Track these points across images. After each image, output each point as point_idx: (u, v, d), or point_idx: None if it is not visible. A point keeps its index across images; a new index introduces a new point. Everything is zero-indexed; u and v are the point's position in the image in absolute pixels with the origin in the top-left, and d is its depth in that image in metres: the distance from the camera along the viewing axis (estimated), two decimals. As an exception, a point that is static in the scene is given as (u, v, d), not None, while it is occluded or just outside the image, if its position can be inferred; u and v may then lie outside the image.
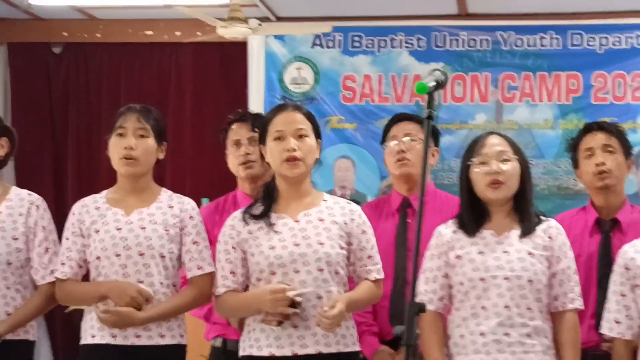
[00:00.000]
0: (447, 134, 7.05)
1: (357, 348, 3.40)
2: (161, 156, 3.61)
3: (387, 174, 5.21)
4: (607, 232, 3.72)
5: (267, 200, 3.40)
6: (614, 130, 3.81)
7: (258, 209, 3.38)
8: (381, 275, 3.42)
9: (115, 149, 3.47)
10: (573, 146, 3.87)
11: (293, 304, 3.15)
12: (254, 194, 3.87)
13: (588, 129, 3.85)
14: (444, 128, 6.90)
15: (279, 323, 3.18)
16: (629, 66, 7.17)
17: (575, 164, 3.87)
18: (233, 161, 4.00)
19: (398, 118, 4.10)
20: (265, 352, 3.23)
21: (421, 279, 3.33)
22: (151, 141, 3.50)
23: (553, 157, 7.09)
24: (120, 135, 3.47)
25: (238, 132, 3.97)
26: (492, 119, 7.27)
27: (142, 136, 3.48)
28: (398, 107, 6.96)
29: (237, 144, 3.95)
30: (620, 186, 3.81)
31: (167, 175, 6.93)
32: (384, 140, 4.11)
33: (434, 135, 4.11)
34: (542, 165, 7.01)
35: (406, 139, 3.94)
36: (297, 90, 7.48)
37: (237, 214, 3.45)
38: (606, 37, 7.24)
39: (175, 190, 3.72)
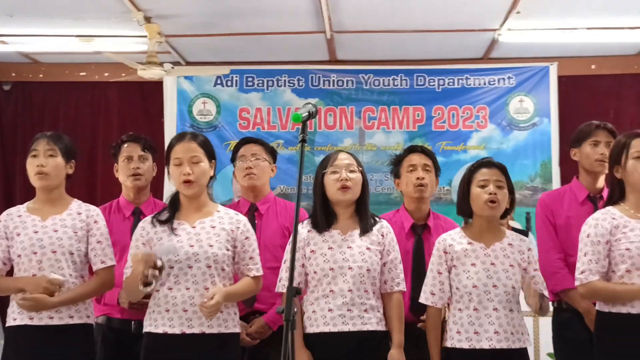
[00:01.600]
0: (322, 154, 7.09)
1: (237, 330, 3.59)
2: (70, 171, 3.79)
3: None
4: (419, 234, 4.08)
5: (171, 209, 3.63)
6: (430, 154, 4.20)
7: (164, 215, 3.61)
8: (260, 273, 3.64)
9: (30, 167, 3.67)
10: (397, 161, 4.22)
11: (157, 269, 3.34)
12: (136, 201, 4.25)
13: (412, 149, 4.24)
14: (318, 150, 7.76)
15: (145, 285, 3.34)
16: (460, 101, 7.92)
17: (397, 175, 4.22)
18: (123, 174, 4.25)
19: (245, 141, 4.44)
20: (160, 330, 3.45)
21: (282, 268, 3.67)
22: (59, 160, 3.69)
23: None
24: (34, 156, 3.67)
25: (130, 149, 4.23)
26: (356, 143, 7.87)
27: (51, 155, 3.67)
28: (283, 133, 7.85)
29: (129, 159, 4.21)
30: (428, 198, 4.16)
31: (99, 188, 7.54)
32: (234, 158, 4.41)
33: (272, 154, 4.47)
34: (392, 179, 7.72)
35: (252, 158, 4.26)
36: (202, 120, 8.00)
37: (148, 218, 3.67)
38: (443, 79, 7.95)
39: (108, 200, 4.08)
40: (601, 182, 4.24)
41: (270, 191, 4.38)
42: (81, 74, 8.36)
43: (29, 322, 3.48)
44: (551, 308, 4.17)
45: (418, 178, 4.03)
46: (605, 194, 4.09)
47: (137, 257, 3.33)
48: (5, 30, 7.13)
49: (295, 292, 2.77)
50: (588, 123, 4.38)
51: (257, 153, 4.28)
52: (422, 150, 4.19)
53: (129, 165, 4.17)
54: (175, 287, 3.46)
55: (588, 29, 7.10)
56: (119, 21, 6.82)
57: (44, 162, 3.62)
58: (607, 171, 4.04)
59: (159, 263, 3.33)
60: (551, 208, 4.30)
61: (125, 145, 4.24)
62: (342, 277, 3.49)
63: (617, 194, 3.64)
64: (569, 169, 7.46)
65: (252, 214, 4.22)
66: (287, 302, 2.72)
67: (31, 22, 6.90)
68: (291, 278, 2.83)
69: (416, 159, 4.10)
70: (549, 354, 6.33)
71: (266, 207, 4.28)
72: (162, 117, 8.08)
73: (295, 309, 2.80)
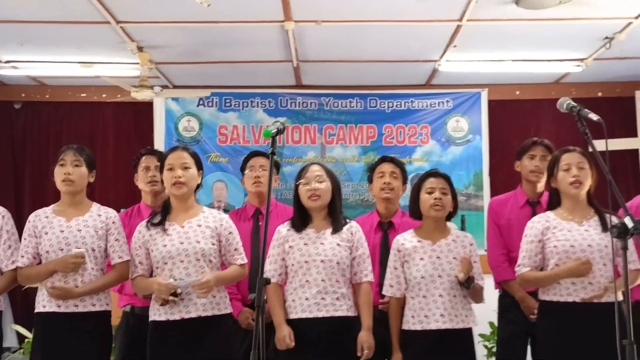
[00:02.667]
0: (290, 165, 7.92)
1: (228, 311, 3.56)
2: (91, 180, 3.74)
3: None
4: (385, 230, 4.05)
5: (164, 213, 3.60)
6: (399, 164, 4.19)
7: (157, 218, 3.59)
8: (245, 261, 3.60)
9: (58, 175, 3.63)
10: (371, 169, 4.21)
11: (175, 293, 3.36)
12: (153, 205, 4.16)
13: (383, 159, 4.22)
14: (287, 162, 7.95)
15: (163, 303, 3.39)
16: (406, 121, 8.12)
17: (370, 181, 4.20)
18: (142, 180, 4.21)
19: (254, 154, 4.35)
20: (163, 318, 3.42)
21: (267, 261, 3.60)
22: (83, 169, 3.66)
23: (358, 181, 7.85)
24: (62, 165, 3.63)
25: (148, 161, 4.20)
26: (318, 155, 8.02)
27: (76, 165, 3.63)
28: (256, 147, 7.51)
29: (147, 169, 4.18)
30: (396, 199, 4.14)
31: (96, 192, 6.87)
32: (243, 168, 4.35)
33: (276, 166, 4.40)
34: (351, 186, 7.81)
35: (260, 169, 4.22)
36: (187, 135, 8.10)
37: (143, 223, 3.62)
38: (392, 102, 8.14)
39: (102, 203, 3.94)
40: (540, 188, 4.19)
41: (272, 197, 4.15)
42: (82, 95, 8.43)
43: (56, 310, 3.46)
44: (494, 296, 4.24)
45: (385, 183, 4.03)
46: (543, 199, 4.08)
47: (161, 286, 3.35)
48: (16, 57, 7.21)
49: (265, 282, 2.78)
50: (528, 140, 4.36)
51: (264, 165, 4.21)
52: (391, 160, 4.17)
53: (147, 174, 4.15)
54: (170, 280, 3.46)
55: (513, 60, 7.32)
56: (115, 50, 6.89)
57: (71, 171, 3.61)
58: (541, 181, 4.10)
59: (178, 291, 3.37)
60: (496, 211, 4.30)
61: (144, 157, 4.21)
62: (316, 268, 3.49)
63: (554, 200, 3.64)
64: (497, 179, 7.91)
65: (257, 216, 4.21)
66: (258, 291, 2.73)
67: (39, 50, 6.98)
68: (262, 271, 2.84)
69: (385, 167, 4.09)
70: (481, 335, 6.28)
71: (270, 211, 4.11)
72: (152, 133, 8.15)
73: (265, 296, 2.87)
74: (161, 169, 3.65)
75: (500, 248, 4.18)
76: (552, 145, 4.23)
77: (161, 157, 3.96)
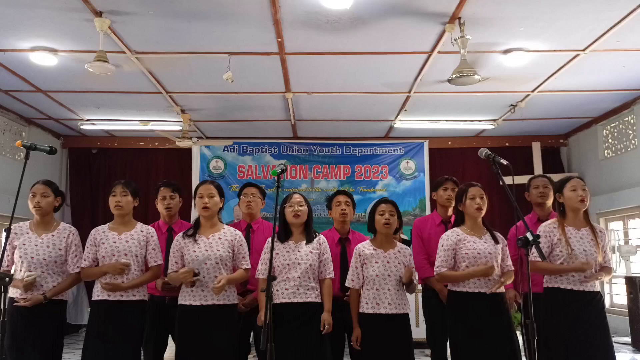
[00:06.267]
0: (288, 194, 7.94)
1: (235, 302, 3.39)
2: (136, 204, 3.55)
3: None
4: (344, 244, 3.84)
5: (195, 228, 3.45)
6: (349, 195, 3.97)
7: (190, 231, 3.44)
8: (249, 267, 3.42)
9: (111, 202, 3.49)
10: (329, 199, 3.99)
11: (196, 274, 3.26)
12: (169, 222, 3.95)
13: (338, 192, 4.00)
14: (287, 190, 7.60)
15: (191, 285, 3.28)
16: (371, 162, 8.09)
17: (330, 208, 3.95)
18: (160, 207, 3.97)
19: (247, 185, 4.13)
20: (187, 303, 3.30)
21: (259, 263, 3.41)
22: (129, 198, 3.50)
23: None
24: (113, 195, 3.49)
25: (164, 192, 3.97)
26: (309, 186, 8.00)
27: (124, 195, 3.48)
28: (265, 181, 7.75)
29: (164, 198, 3.95)
30: (349, 221, 3.91)
31: (149, 215, 6.89)
32: (239, 194, 4.09)
33: (262, 193, 4.11)
34: None
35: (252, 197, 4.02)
36: (215, 172, 8.01)
37: (181, 234, 3.47)
38: (361, 149, 8.16)
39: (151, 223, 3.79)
40: (450, 212, 4.03)
41: (259, 216, 4.10)
42: (140, 143, 8.46)
43: (107, 298, 3.36)
44: (420, 288, 4.13)
45: (342, 210, 3.86)
46: (452, 219, 3.91)
47: (184, 272, 3.25)
48: (94, 116, 7.24)
49: (273, 279, 2.78)
50: (441, 177, 4.23)
51: (254, 193, 4.06)
52: (344, 193, 4.01)
53: (164, 202, 3.97)
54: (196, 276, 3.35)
55: (447, 120, 7.33)
56: (165, 112, 6.92)
57: (120, 200, 3.48)
58: (452, 206, 3.94)
59: (196, 271, 3.28)
60: (420, 228, 4.14)
61: (161, 188, 4.02)
62: (294, 269, 3.35)
63: (459, 219, 3.51)
64: (434, 204, 7.80)
65: (248, 230, 4.02)
66: (268, 284, 2.70)
67: (110, 111, 6.99)
68: (270, 271, 2.84)
69: (341, 198, 3.92)
70: None
71: (257, 226, 4.05)
72: (191, 171, 8.13)
73: (263, 289, 2.82)
74: (194, 196, 3.52)
75: (422, 254, 4.03)
76: (457, 180, 4.12)
77: (175, 187, 3.98)
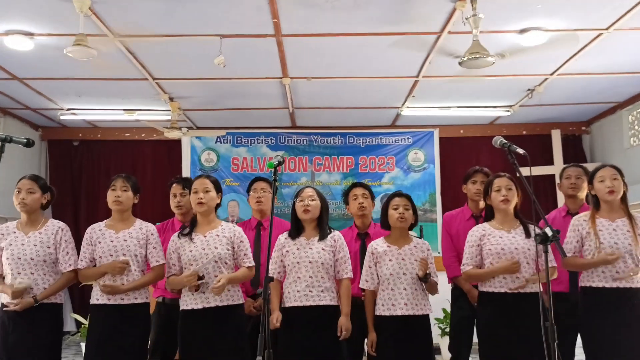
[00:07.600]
0: (287, 188, 7.89)
1: (241, 301, 3.45)
2: (136, 201, 3.62)
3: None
4: (363, 240, 3.91)
5: (191, 226, 3.50)
6: (366, 186, 4.05)
7: (186, 230, 3.50)
8: (252, 264, 3.48)
9: (110, 197, 3.53)
10: (346, 193, 4.06)
11: (200, 277, 3.32)
12: (183, 220, 4.01)
13: (354, 185, 4.09)
14: (286, 185, 7.86)
15: (195, 289, 3.32)
16: (377, 153, 8.09)
17: (347, 202, 4.04)
18: (172, 204, 4.05)
19: (257, 179, 4.21)
20: (189, 307, 3.34)
21: (270, 262, 3.48)
22: (130, 193, 3.55)
23: (340, 199, 7.15)
24: (113, 189, 3.53)
25: (175, 189, 4.03)
26: (309, 180, 7.99)
27: (124, 190, 3.52)
28: (261, 174, 7.63)
29: (175, 196, 4.02)
30: (369, 215, 3.99)
31: (137, 210, 7.34)
32: (249, 190, 4.22)
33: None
34: (334, 204, 7.62)
35: (262, 191, 4.09)
36: (207, 165, 8.01)
37: (176, 234, 3.54)
38: (365, 138, 8.13)
39: (142, 219, 3.75)
40: (481, 206, 4.00)
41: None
42: (126, 134, 8.43)
43: (107, 302, 3.38)
44: (447, 288, 4.15)
45: (359, 204, 3.92)
46: (483, 214, 3.86)
47: (188, 276, 3.29)
48: (75, 106, 7.21)
49: (270, 280, 2.78)
50: (471, 168, 4.25)
51: (265, 188, 4.12)
52: (361, 185, 4.07)
53: (174, 200, 4.02)
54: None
55: (458, 107, 7.33)
56: (152, 100, 6.88)
57: (120, 194, 3.50)
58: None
59: (200, 274, 3.31)
60: (448, 223, 4.20)
61: (173, 185, 4.07)
62: (305, 267, 3.40)
63: (489, 214, 3.54)
64: (446, 198, 7.89)
65: (258, 228, 4.09)
66: (265, 286, 2.75)
67: (92, 100, 6.96)
68: (267, 272, 2.87)
69: (357, 191, 3.98)
70: (436, 318, 6.45)
71: (268, 223, 4.02)
72: (181, 164, 8.13)
73: (270, 290, 2.86)
74: (190, 191, 3.57)
75: (451, 251, 4.09)
76: (489, 171, 4.14)
77: (185, 183, 3.93)
